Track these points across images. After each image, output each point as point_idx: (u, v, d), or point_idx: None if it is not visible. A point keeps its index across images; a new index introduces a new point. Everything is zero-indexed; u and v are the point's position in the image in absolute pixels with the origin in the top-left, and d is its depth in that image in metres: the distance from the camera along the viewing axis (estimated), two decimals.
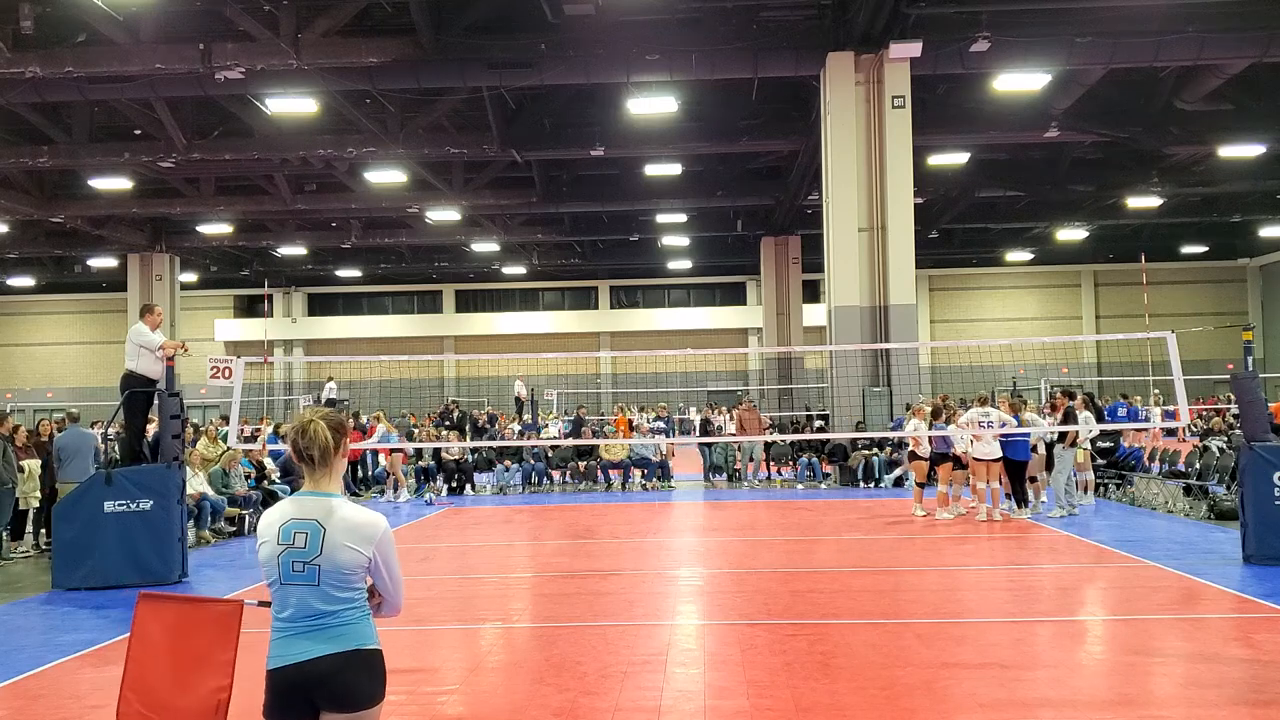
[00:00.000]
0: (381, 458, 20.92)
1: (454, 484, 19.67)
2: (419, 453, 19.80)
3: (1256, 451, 10.19)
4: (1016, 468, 14.16)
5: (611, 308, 46.43)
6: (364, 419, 23.66)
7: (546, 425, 28.11)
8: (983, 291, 44.84)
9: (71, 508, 10.58)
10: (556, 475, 20.41)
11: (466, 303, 47.33)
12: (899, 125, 18.63)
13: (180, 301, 37.19)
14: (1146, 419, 24.70)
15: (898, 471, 18.51)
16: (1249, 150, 24.21)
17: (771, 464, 21.28)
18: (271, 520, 3.27)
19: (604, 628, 8.04)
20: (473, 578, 10.79)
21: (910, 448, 15.39)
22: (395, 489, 18.66)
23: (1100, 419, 16.16)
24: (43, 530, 13.36)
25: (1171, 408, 23.77)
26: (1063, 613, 8.51)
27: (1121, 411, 24.06)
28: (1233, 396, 15.38)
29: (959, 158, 25.72)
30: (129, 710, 3.53)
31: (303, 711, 3.16)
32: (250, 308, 46.99)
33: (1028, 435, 14.04)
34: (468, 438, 23.39)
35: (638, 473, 19.96)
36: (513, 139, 22.83)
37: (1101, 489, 16.75)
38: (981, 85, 20.89)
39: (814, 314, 35.68)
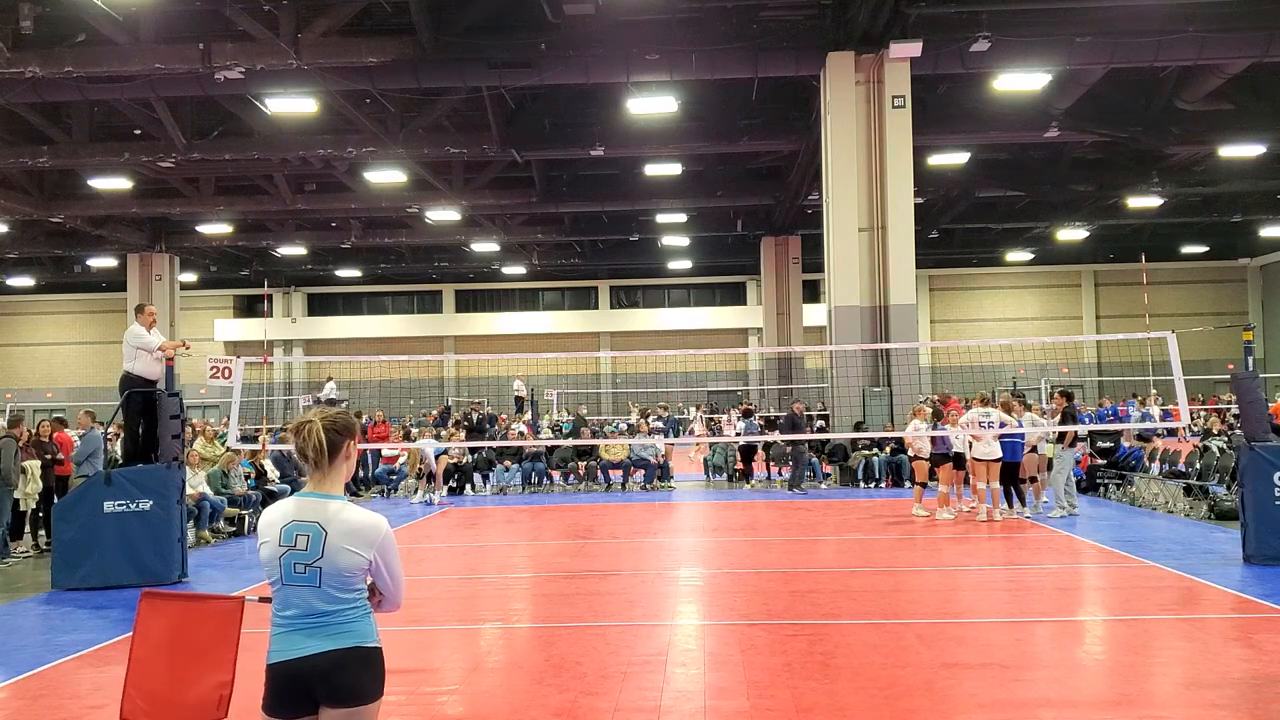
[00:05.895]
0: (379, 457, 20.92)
1: (454, 484, 19.66)
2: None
3: (1256, 451, 10.19)
4: (1006, 469, 14.15)
5: (611, 308, 46.39)
6: (364, 419, 23.69)
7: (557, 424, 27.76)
8: (983, 291, 44.81)
9: (71, 508, 10.58)
10: (556, 475, 20.41)
11: (466, 303, 47.30)
12: (899, 125, 18.63)
13: (180, 301, 37.19)
14: (1143, 419, 24.70)
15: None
16: (1249, 150, 24.21)
17: (771, 464, 21.30)
18: (273, 520, 3.27)
19: (604, 628, 8.03)
20: (473, 578, 10.78)
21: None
22: (430, 485, 18.56)
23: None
24: (42, 530, 13.36)
25: (1170, 407, 23.76)
26: (1063, 613, 8.51)
27: (1134, 411, 24.07)
28: (1233, 396, 15.38)
29: (959, 158, 25.71)
30: (133, 708, 3.53)
31: (302, 706, 3.17)
32: (250, 308, 46.97)
33: (1020, 437, 14.03)
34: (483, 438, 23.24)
35: (638, 473, 19.93)
36: (513, 139, 22.83)
37: (1101, 489, 16.76)
38: (981, 85, 20.89)
39: (814, 314, 35.66)
